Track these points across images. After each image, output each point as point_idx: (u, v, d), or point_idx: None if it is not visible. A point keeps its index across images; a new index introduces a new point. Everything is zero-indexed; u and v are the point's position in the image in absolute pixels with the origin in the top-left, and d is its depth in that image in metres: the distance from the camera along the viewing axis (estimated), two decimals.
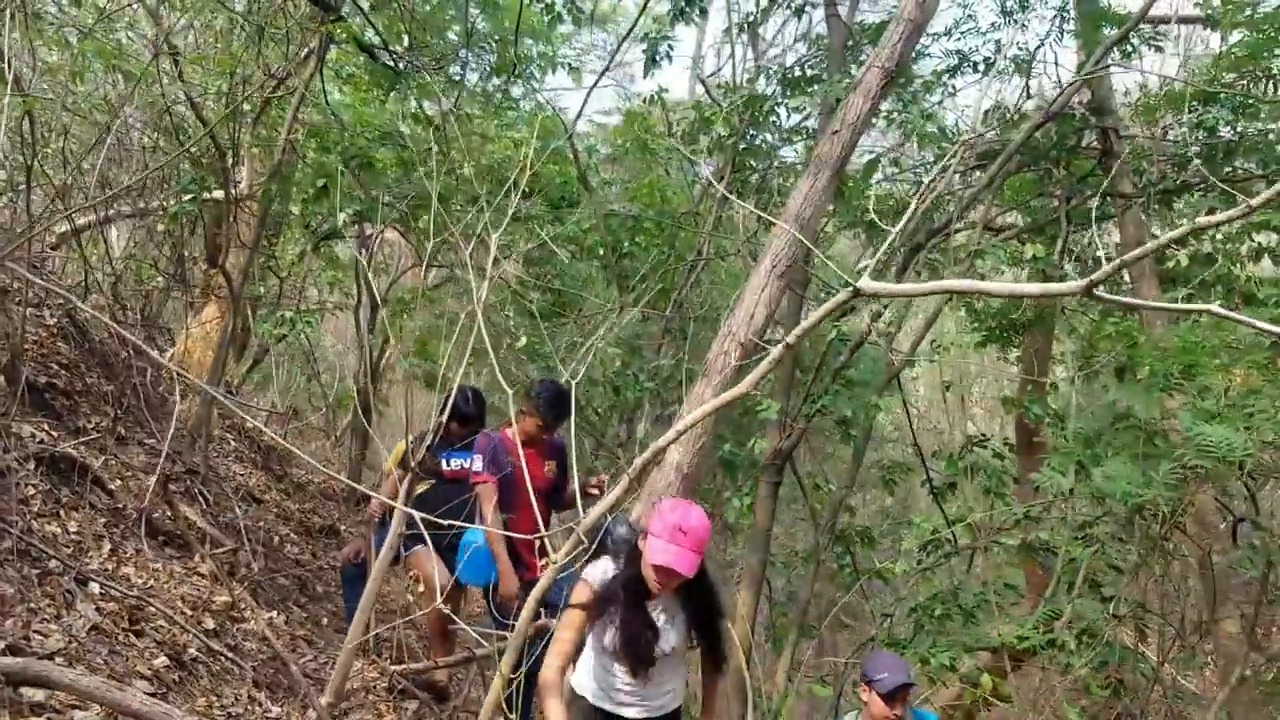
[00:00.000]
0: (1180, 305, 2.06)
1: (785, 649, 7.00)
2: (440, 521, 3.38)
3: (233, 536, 5.34)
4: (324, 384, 13.09)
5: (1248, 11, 6.06)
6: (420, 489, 5.31)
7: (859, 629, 9.52)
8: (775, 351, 2.37)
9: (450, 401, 4.36)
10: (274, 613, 4.83)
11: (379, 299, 10.14)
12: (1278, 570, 5.17)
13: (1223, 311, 1.95)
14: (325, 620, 5.67)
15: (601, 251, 9.22)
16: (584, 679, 3.57)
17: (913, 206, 2.94)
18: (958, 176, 7.75)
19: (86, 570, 3.62)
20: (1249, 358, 4.99)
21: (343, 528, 8.50)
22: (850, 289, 2.24)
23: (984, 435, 8.22)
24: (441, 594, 4.32)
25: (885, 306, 5.99)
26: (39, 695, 2.78)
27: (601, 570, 3.38)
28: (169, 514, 4.74)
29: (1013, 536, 6.63)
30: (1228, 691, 5.53)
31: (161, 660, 3.47)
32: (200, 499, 5.39)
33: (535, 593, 2.94)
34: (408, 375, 11.51)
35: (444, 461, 5.38)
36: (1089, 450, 5.51)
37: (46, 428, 4.58)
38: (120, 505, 4.48)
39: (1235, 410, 4.65)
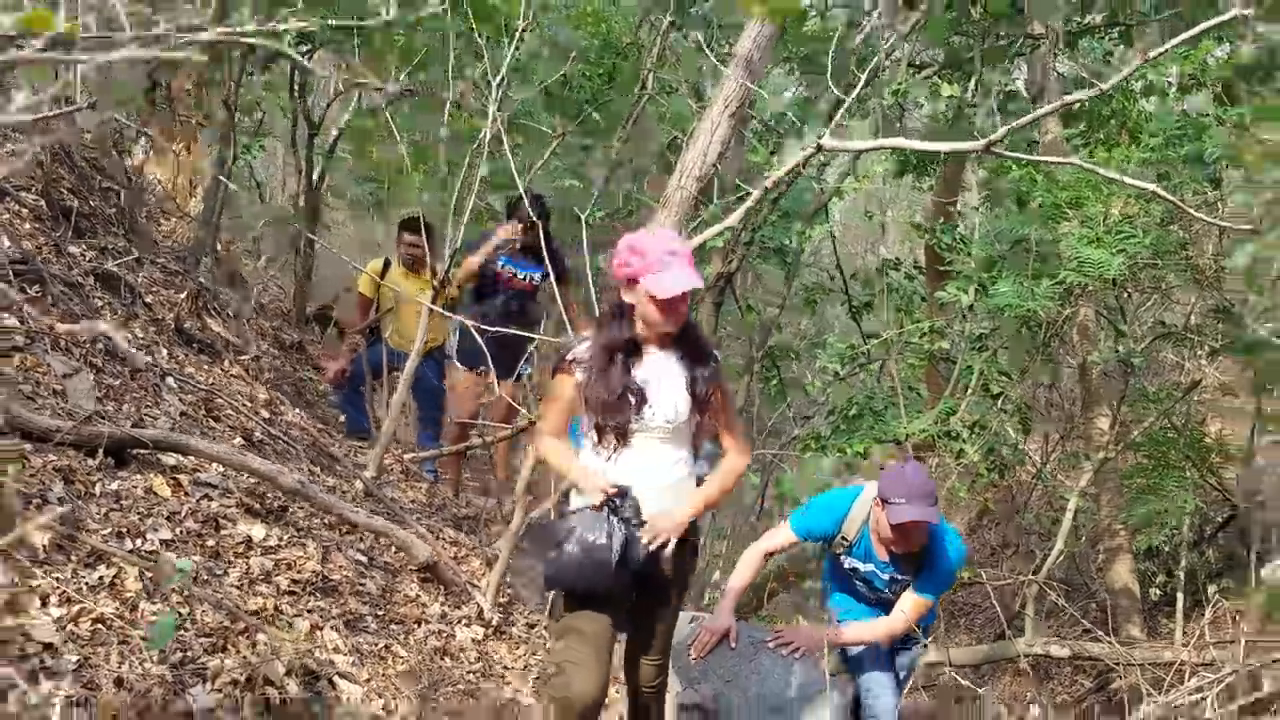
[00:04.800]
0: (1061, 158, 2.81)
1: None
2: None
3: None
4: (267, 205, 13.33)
5: None
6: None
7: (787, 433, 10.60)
8: (756, 193, 3.10)
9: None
10: (297, 409, 5.56)
11: (312, 122, 10.21)
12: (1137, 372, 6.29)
13: (1078, 162, 2.74)
14: (325, 420, 6.43)
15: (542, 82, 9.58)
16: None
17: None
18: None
19: (165, 368, 4.29)
20: (1128, 191, 5.88)
21: (310, 348, 9.13)
22: (816, 145, 2.96)
23: (897, 259, 9.17)
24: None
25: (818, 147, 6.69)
26: (171, 460, 3.51)
27: (586, 345, 2.83)
28: (199, 325, 5.37)
29: (919, 349, 7.60)
30: (1092, 473, 6.69)
31: (238, 440, 4.20)
32: (216, 314, 5.99)
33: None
34: (355, 202, 11.90)
35: (515, 271, 6.01)
36: (989, 272, 6.43)
37: (84, 247, 5.10)
38: (159, 317, 5.09)
39: (1113, 236, 5.56)
